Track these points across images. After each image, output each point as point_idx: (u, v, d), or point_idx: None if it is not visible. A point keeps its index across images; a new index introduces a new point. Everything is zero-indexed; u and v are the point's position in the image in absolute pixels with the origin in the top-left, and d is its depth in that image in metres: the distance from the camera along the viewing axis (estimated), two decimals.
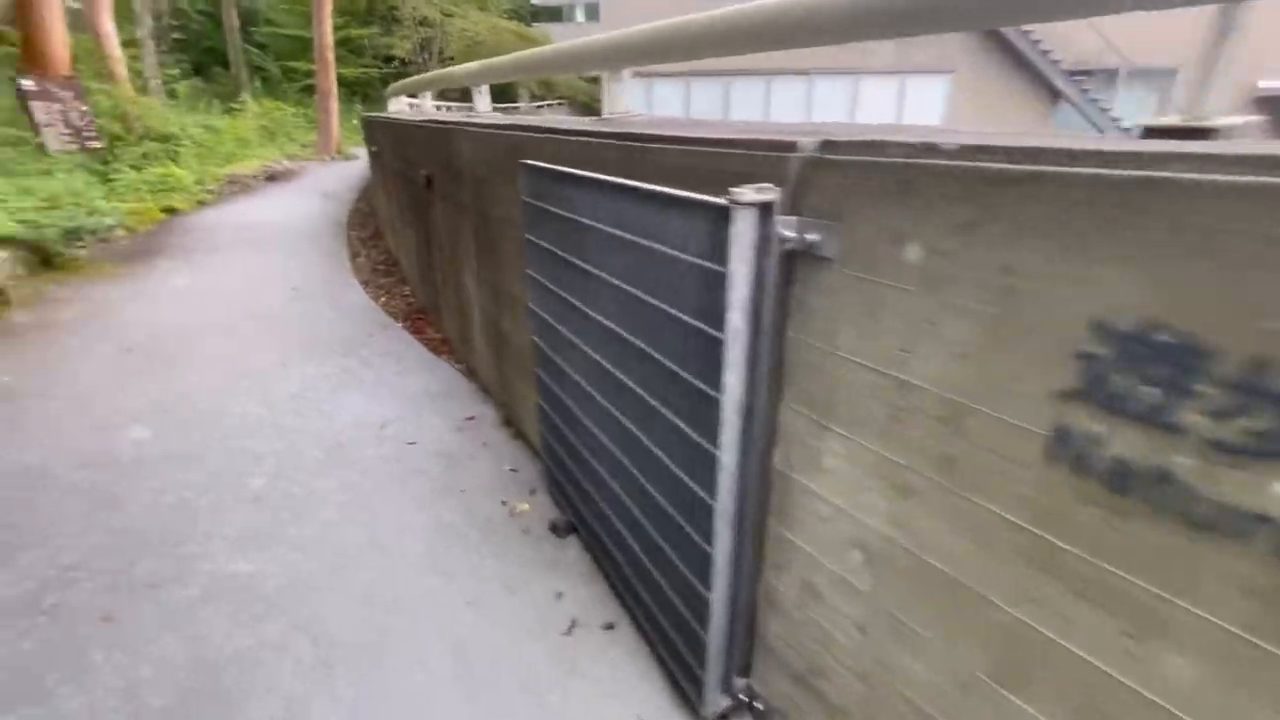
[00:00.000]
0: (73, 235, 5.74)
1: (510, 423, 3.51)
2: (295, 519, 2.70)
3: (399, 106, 9.97)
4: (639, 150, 1.82)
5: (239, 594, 2.29)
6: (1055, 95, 17.07)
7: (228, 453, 3.17)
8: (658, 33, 2.23)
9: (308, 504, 2.80)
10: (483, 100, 4.45)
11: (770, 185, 1.29)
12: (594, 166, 1.99)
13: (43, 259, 5.67)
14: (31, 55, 9.57)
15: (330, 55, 16.46)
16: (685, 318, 1.49)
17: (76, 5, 13.28)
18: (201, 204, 9.84)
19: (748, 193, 1.25)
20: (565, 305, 2.22)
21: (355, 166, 16.56)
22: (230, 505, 2.78)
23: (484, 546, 2.59)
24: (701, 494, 1.56)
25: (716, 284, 1.35)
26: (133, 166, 9.50)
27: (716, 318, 1.37)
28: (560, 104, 25.33)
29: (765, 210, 1.27)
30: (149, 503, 2.78)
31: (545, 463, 2.88)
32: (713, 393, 1.42)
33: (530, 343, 2.71)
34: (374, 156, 6.51)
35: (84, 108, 8.67)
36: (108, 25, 11.31)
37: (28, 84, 7.84)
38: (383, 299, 5.68)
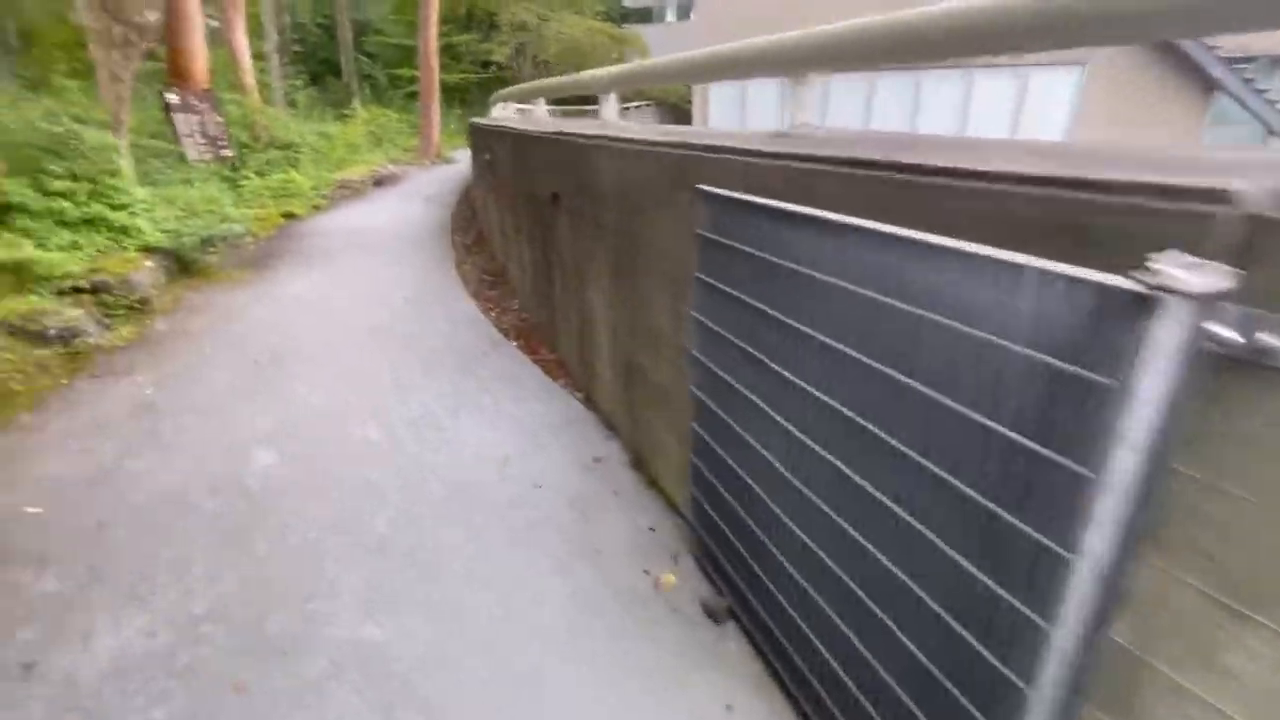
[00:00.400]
0: (207, 243, 5.97)
1: (641, 466, 3.18)
2: (423, 576, 2.48)
3: (505, 113, 10.00)
4: (891, 184, 1.41)
5: (369, 668, 2.07)
6: (1211, 86, 15.05)
7: (351, 486, 3.02)
8: (866, 31, 1.81)
9: (435, 557, 2.58)
10: (610, 108, 4.15)
11: (1205, 261, 0.85)
12: (796, 197, 1.60)
13: (181, 266, 5.93)
14: (176, 70, 10.30)
15: (434, 63, 16.97)
16: (1003, 430, 1.06)
17: (215, 23, 14.33)
18: (316, 209, 10.27)
19: (1181, 273, 0.82)
20: (752, 363, 1.84)
21: (454, 170, 17.03)
22: (356, 552, 2.60)
23: (629, 626, 2.26)
24: (1000, 668, 1.13)
25: (1083, 397, 0.92)
26: (258, 173, 10.04)
27: (1074, 443, 0.94)
28: (648, 106, 25.12)
29: (1206, 302, 0.83)
30: (276, 542, 2.64)
31: (695, 529, 2.52)
32: (1054, 547, 0.99)
33: (687, 392, 2.36)
34: (485, 164, 6.42)
35: (219, 119, 9.21)
36: (241, 41, 12.08)
37: (172, 98, 8.38)
38: (493, 312, 5.55)
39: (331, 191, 11.54)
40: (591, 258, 3.44)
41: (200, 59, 10.43)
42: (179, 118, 8.46)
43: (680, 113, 24.60)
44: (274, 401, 3.78)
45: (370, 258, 7.19)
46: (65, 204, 5.04)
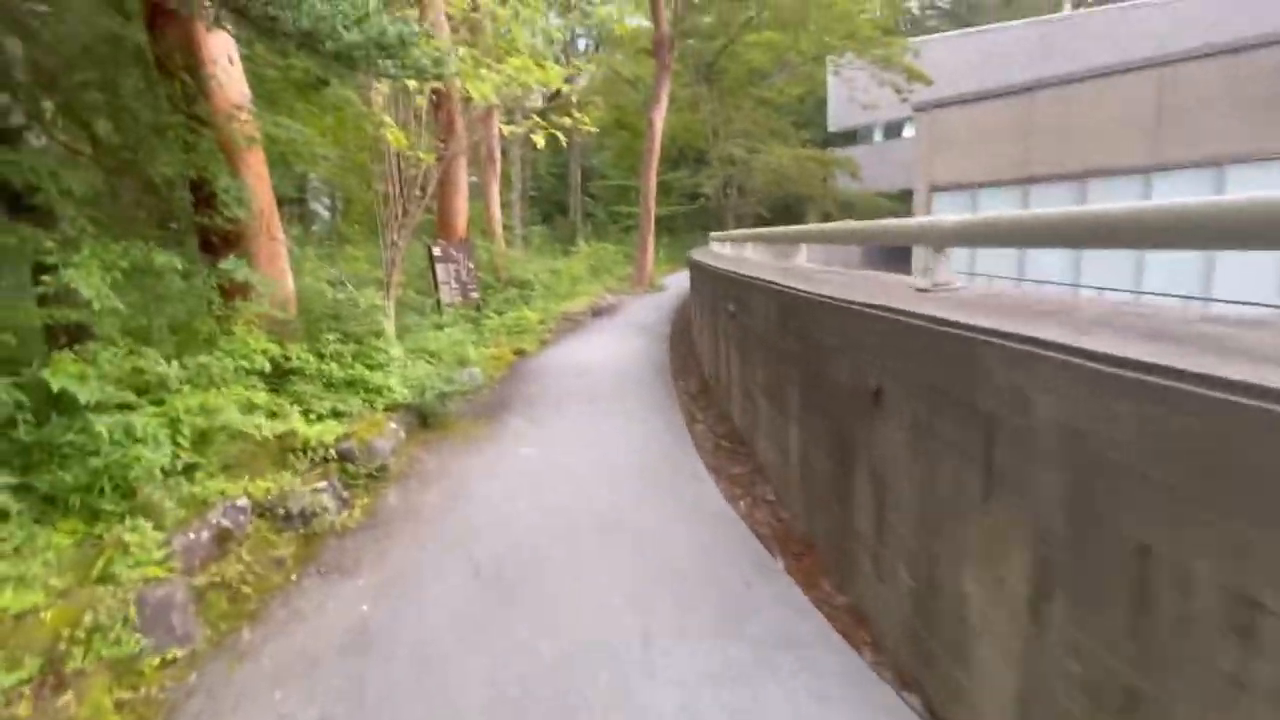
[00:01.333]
0: (447, 397, 5.86)
1: None
2: None
3: (721, 249, 9.53)
4: None
5: None
6: None
7: None
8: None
9: None
10: (942, 268, 2.99)
11: None
12: None
13: (421, 420, 5.86)
14: (444, 225, 11.72)
15: (652, 202, 17.91)
16: None
17: (474, 180, 16.79)
18: (543, 343, 10.53)
19: None
20: None
21: (664, 298, 17.30)
22: None
23: None
24: None
25: None
26: (497, 311, 10.67)
27: None
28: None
29: None
30: None
31: None
32: None
33: None
34: (727, 315, 5.62)
35: (471, 265, 10.04)
36: (494, 194, 13.70)
37: (436, 250, 9.27)
38: (741, 501, 4.43)
39: (556, 324, 11.97)
40: (960, 494, 2.14)
41: (463, 215, 11.79)
42: (440, 267, 9.29)
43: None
44: (494, 648, 2.94)
45: (595, 408, 6.70)
46: (334, 366, 5.19)
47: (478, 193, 16.07)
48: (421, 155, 5.33)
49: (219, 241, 5.65)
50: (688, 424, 6.13)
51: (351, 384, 5.22)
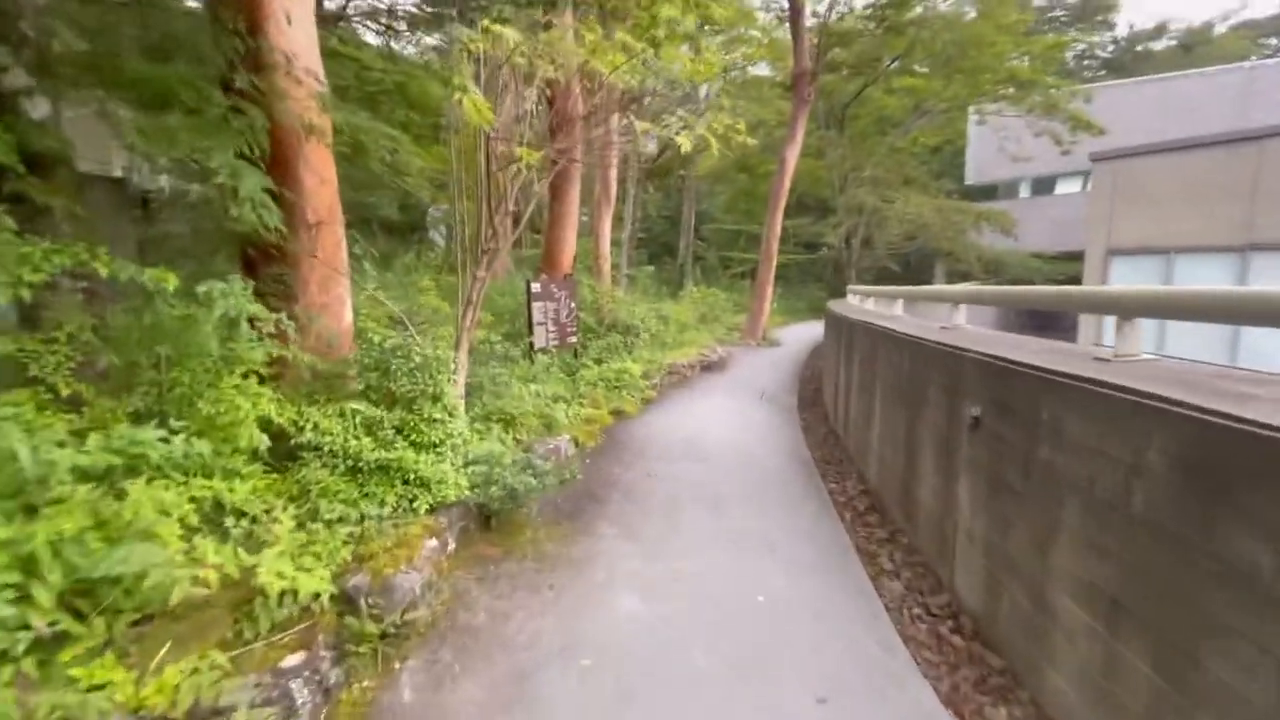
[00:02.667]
0: (519, 494, 4.09)
1: None
2: None
3: (866, 304, 7.39)
4: None
5: None
6: None
7: None
8: None
9: None
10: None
11: None
12: None
13: (483, 520, 4.14)
14: (549, 259, 10.40)
15: (774, 248, 15.96)
16: None
17: (585, 217, 15.67)
18: (646, 403, 8.73)
19: None
20: None
21: (781, 355, 15.12)
22: None
23: None
24: None
25: None
26: (596, 360, 9.02)
27: None
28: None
29: None
30: None
31: None
32: None
33: None
34: (970, 424, 3.44)
35: (572, 304, 8.50)
36: (605, 228, 12.33)
37: (535, 286, 7.81)
38: None
39: (661, 378, 10.17)
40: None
41: (570, 249, 10.42)
42: (536, 305, 7.80)
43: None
44: None
45: (722, 524, 4.69)
46: (365, 441, 3.58)
47: (585, 229, 14.93)
48: (522, 154, 3.72)
49: (256, 256, 4.33)
50: (872, 577, 3.97)
51: (386, 470, 3.57)
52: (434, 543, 3.44)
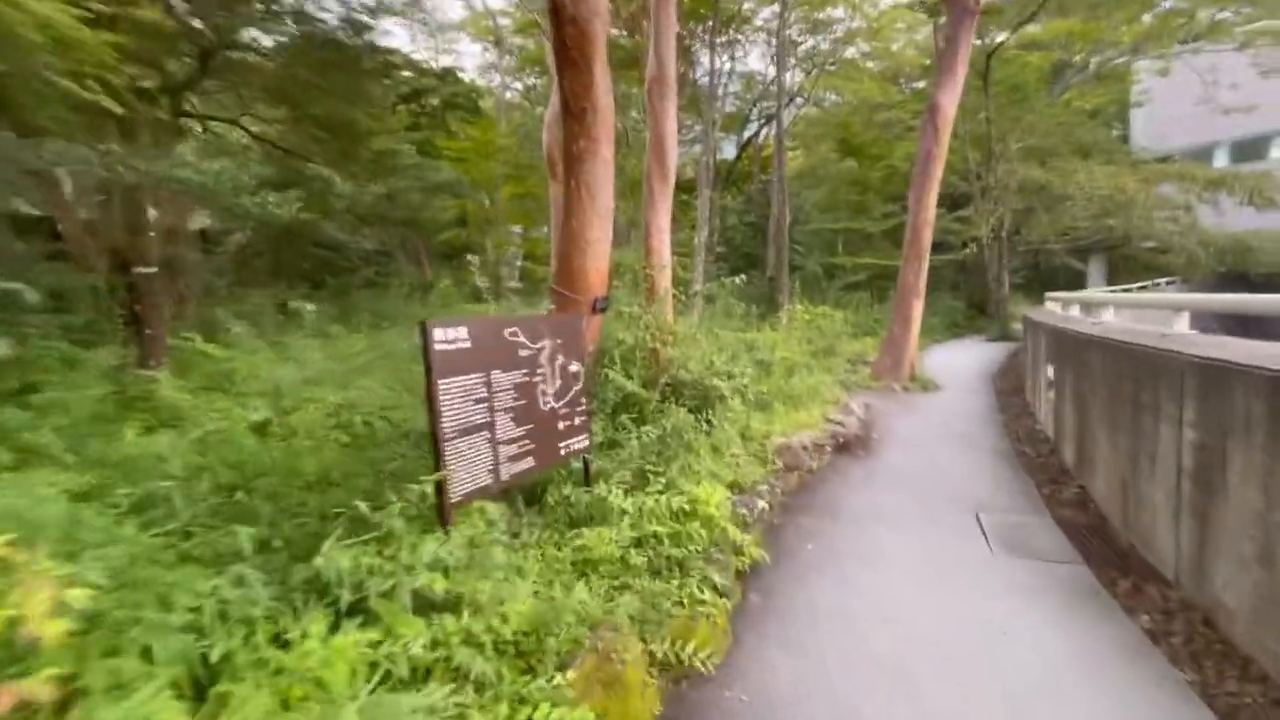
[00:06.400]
0: None
1: None
2: None
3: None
4: None
5: None
6: None
7: None
8: None
9: None
10: None
11: None
12: None
13: None
14: (564, 270, 5.82)
15: (926, 241, 10.60)
16: None
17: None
18: (739, 575, 3.84)
19: None
20: None
21: (952, 405, 9.63)
22: None
23: None
24: None
25: None
26: (625, 486, 4.16)
27: None
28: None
29: None
30: None
31: None
32: None
33: None
34: None
35: (577, 363, 3.82)
36: (663, 215, 7.57)
37: (443, 333, 3.19)
38: None
39: (768, 486, 5.28)
40: None
41: (602, 254, 5.84)
42: (448, 385, 3.21)
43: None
44: None
45: None
46: None
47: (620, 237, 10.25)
48: None
49: None
50: None
51: None
52: None
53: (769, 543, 4.38)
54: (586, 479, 3.87)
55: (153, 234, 5.79)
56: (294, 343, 6.79)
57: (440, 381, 2.75)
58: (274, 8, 9.51)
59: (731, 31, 20.85)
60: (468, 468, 2.90)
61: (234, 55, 9.86)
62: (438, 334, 2.74)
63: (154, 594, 1.89)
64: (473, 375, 2.93)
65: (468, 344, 2.89)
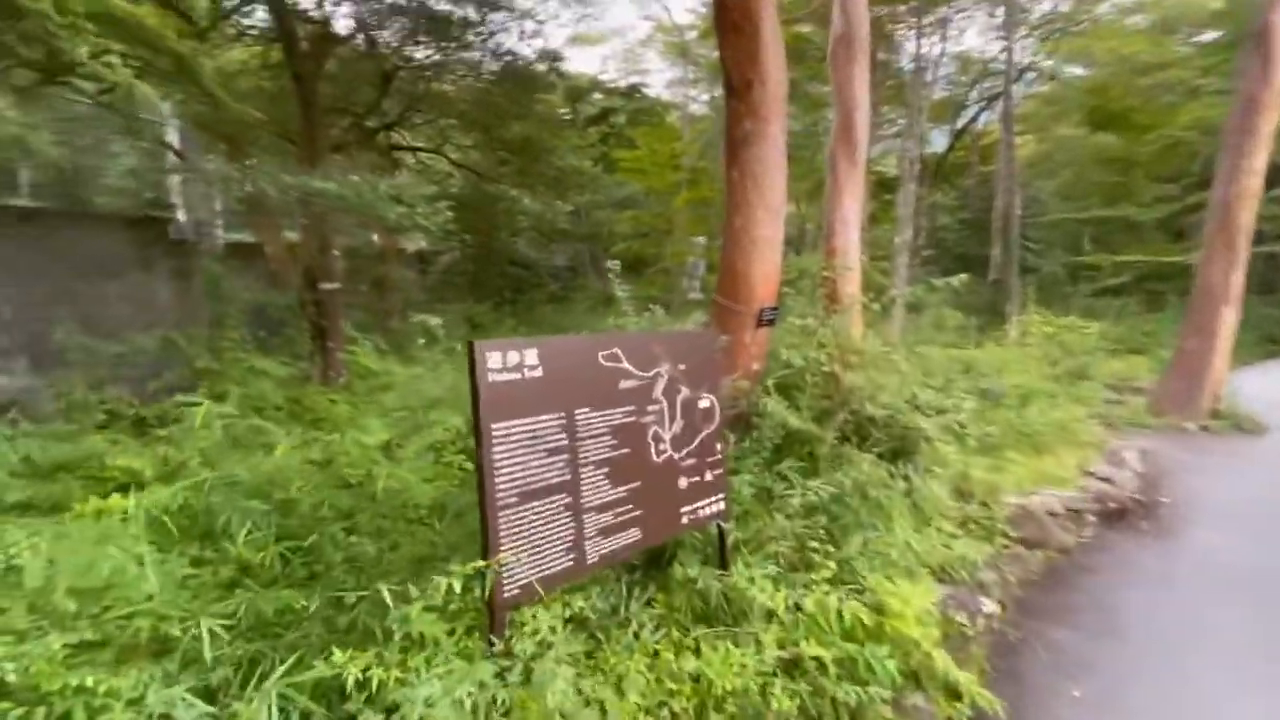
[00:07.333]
0: None
1: None
2: None
3: None
4: None
5: None
6: None
7: None
8: None
9: None
10: None
11: None
12: None
13: None
14: (727, 276, 4.87)
15: (1242, 222, 7.52)
16: None
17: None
18: None
19: None
20: None
21: None
22: None
23: None
24: None
25: None
26: (786, 580, 2.99)
27: None
28: None
29: None
30: None
31: None
32: None
33: None
34: None
35: (710, 396, 2.82)
36: (850, 213, 6.15)
37: (493, 357, 2.37)
38: None
39: (995, 576, 3.68)
40: None
41: (773, 256, 4.78)
42: (504, 432, 2.39)
43: None
44: None
45: None
46: None
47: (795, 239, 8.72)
48: None
49: None
50: None
51: None
52: None
53: (1001, 673, 2.89)
54: (722, 556, 2.82)
55: (336, 253, 6.09)
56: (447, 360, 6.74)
57: (494, 425, 1.94)
58: (487, 43, 9.96)
59: (947, 6, 18.05)
60: (535, 547, 2.06)
61: (436, 87, 10.62)
62: (492, 359, 1.95)
63: None
64: (545, 416, 2.09)
65: (538, 372, 2.06)
